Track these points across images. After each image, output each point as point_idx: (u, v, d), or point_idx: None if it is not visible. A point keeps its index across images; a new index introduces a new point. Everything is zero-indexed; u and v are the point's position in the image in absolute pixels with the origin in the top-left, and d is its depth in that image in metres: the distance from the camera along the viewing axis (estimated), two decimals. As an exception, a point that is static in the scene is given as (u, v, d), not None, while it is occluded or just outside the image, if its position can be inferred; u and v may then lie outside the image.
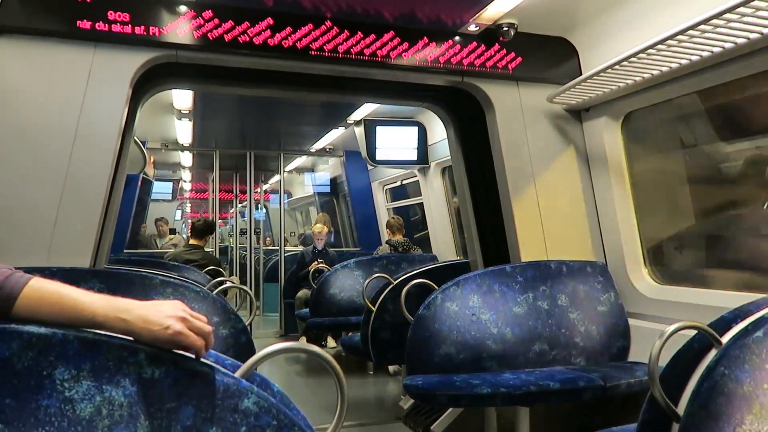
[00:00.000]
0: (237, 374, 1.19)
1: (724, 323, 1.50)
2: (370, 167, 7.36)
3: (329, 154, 7.89)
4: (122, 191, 3.08)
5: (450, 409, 3.44)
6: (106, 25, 2.57)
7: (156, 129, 6.52)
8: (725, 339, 1.41)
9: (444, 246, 6.14)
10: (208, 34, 2.73)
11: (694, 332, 1.48)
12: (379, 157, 5.84)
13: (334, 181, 9.67)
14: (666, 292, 3.03)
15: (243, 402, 1.13)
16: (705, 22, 2.11)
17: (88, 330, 1.07)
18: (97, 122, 2.58)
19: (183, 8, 2.69)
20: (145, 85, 2.94)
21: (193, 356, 1.13)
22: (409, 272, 3.91)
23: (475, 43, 3.12)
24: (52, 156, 2.50)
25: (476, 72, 3.14)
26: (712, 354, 1.39)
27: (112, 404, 1.04)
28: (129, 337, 1.09)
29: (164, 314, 1.09)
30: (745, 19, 2.07)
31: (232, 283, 3.58)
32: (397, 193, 7.45)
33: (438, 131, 5.54)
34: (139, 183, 7.59)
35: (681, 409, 1.39)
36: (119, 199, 3.02)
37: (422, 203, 6.50)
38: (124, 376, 1.06)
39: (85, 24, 2.54)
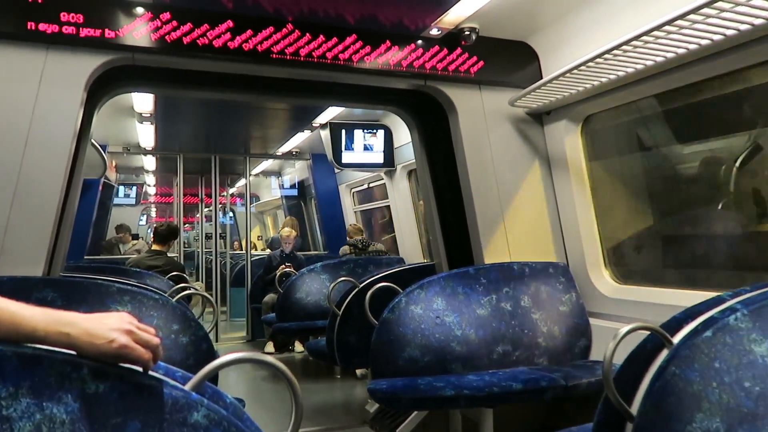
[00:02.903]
0: (187, 387, 1.16)
1: (675, 323, 1.52)
2: (336, 170, 7.33)
3: (296, 158, 7.83)
4: (79, 196, 3.00)
5: (415, 412, 3.44)
6: (59, 26, 2.49)
7: (117, 132, 6.37)
8: (676, 339, 1.44)
9: (411, 248, 6.16)
10: (166, 37, 2.68)
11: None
12: (345, 160, 5.83)
13: (301, 185, 9.61)
14: (625, 291, 3.08)
15: (192, 415, 1.10)
16: (669, 23, 2.11)
17: (28, 345, 1.02)
18: (50, 126, 2.50)
19: (140, 10, 2.64)
20: (102, 88, 2.87)
21: (140, 369, 1.10)
22: (375, 275, 3.89)
23: (437, 47, 3.13)
24: (1, 159, 2.42)
25: (439, 75, 3.15)
26: (664, 354, 1.41)
27: (53, 422, 1.00)
28: (72, 351, 1.05)
29: (109, 327, 1.06)
30: (709, 20, 2.07)
31: (195, 289, 3.52)
32: (365, 195, 7.44)
33: (403, 134, 5.55)
34: (100, 188, 7.41)
35: (635, 408, 1.41)
36: (75, 205, 2.94)
37: (389, 206, 6.51)
38: (66, 392, 1.02)
39: (37, 25, 2.46)
